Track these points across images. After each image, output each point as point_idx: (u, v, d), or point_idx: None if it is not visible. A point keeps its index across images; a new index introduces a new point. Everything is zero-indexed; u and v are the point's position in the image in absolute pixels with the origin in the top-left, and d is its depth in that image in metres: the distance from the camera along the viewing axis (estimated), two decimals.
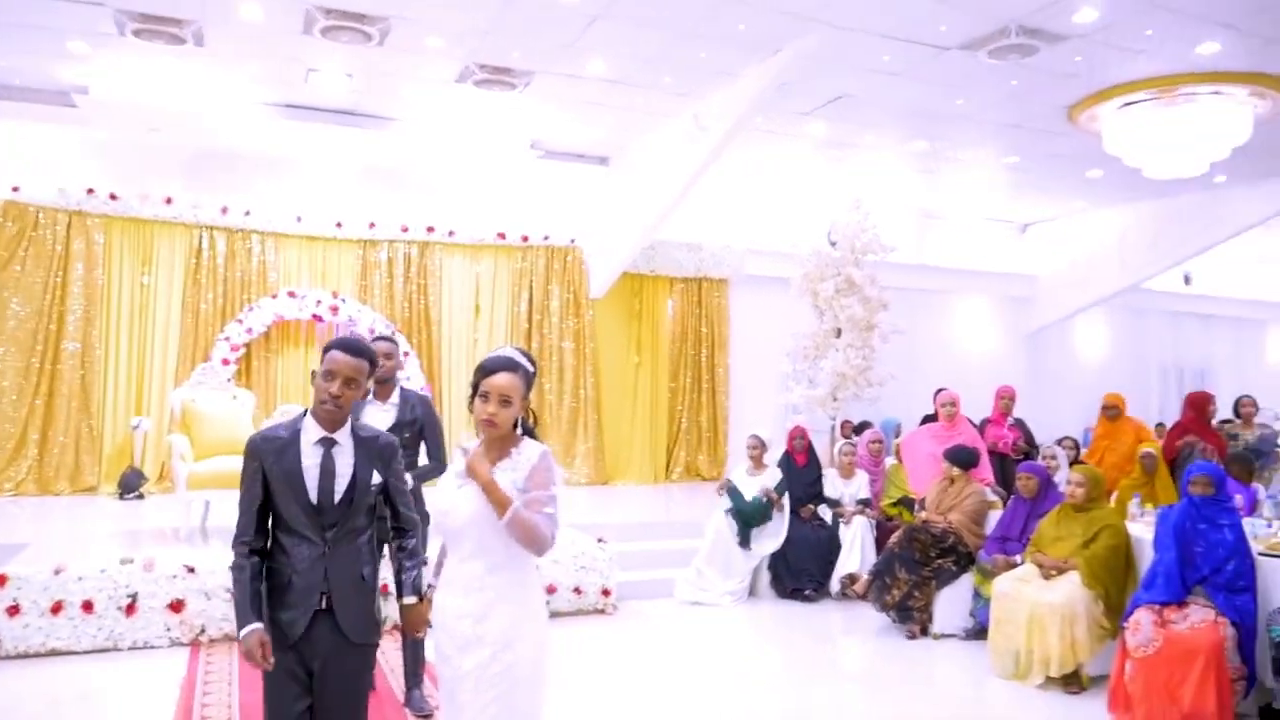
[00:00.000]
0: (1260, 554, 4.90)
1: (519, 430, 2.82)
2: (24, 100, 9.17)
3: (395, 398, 4.48)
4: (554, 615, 5.36)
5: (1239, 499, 5.56)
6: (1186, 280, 15.54)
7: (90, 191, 9.36)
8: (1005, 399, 7.95)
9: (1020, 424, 8.01)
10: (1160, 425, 12.33)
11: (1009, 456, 7.65)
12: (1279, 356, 17.06)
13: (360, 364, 2.82)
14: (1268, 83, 8.24)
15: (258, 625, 2.71)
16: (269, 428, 2.91)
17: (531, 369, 2.83)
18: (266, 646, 2.70)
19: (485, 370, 2.76)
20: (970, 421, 7.56)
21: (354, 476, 2.83)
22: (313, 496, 2.78)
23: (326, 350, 2.84)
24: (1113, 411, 7.57)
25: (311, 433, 2.83)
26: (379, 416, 4.34)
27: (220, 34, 7.87)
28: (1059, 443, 8.76)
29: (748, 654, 6.28)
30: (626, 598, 6.96)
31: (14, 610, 5.31)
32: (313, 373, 2.85)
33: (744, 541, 7.28)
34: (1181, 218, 12.48)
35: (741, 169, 11.56)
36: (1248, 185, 11.50)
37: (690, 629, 6.57)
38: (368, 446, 2.88)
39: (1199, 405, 7.41)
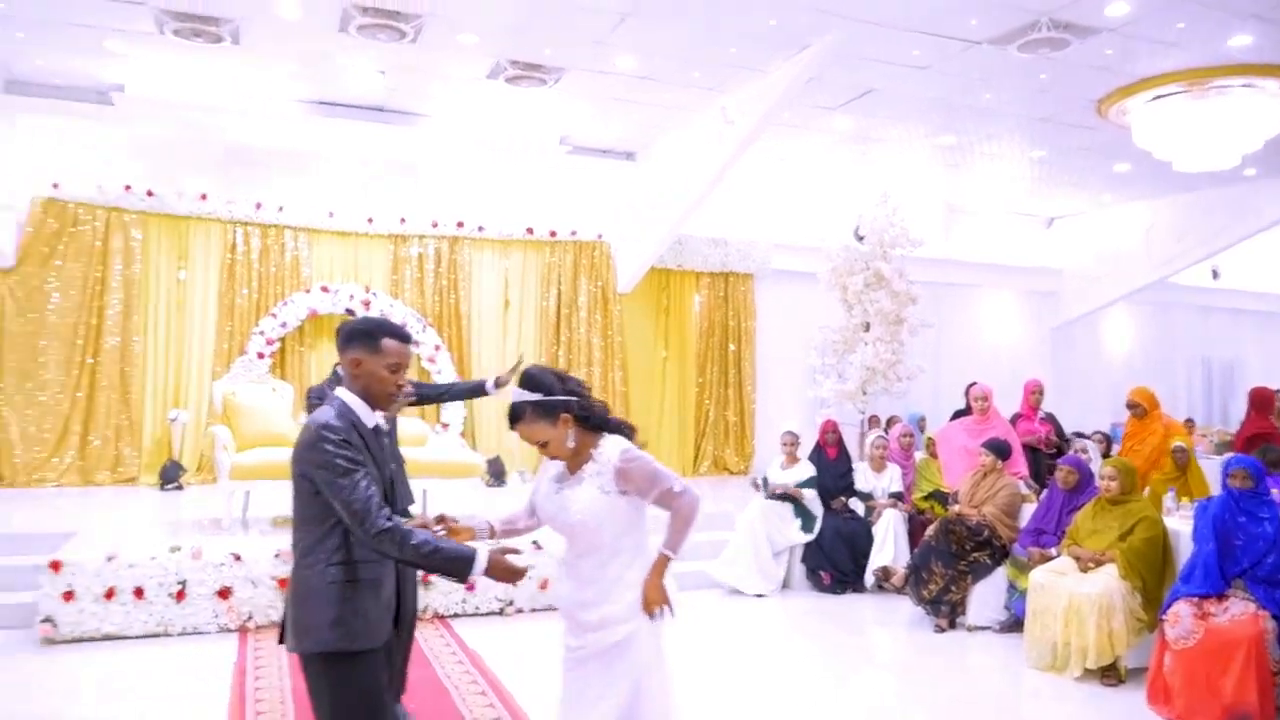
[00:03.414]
0: None
1: (591, 428, 2.85)
2: (63, 98, 9.34)
3: None
4: None
5: (1276, 493, 5.58)
6: (1215, 274, 15.45)
7: (127, 188, 9.49)
8: (1035, 393, 7.96)
9: (1051, 418, 8.03)
10: (1189, 421, 12.30)
11: (1041, 450, 7.67)
12: None
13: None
14: None
15: (476, 549, 2.59)
16: (336, 414, 2.62)
17: (539, 395, 2.78)
18: (507, 556, 2.63)
19: (510, 425, 2.85)
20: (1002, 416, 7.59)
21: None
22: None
23: (376, 338, 2.67)
24: (1138, 410, 7.39)
25: (372, 422, 2.73)
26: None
27: (257, 32, 7.98)
28: (1090, 436, 8.77)
29: (783, 645, 6.35)
30: None
31: (69, 596, 5.46)
32: (356, 360, 2.67)
33: (806, 526, 7.39)
34: (1210, 211, 12.42)
35: (768, 163, 11.60)
36: (1277, 178, 11.43)
37: (725, 620, 6.64)
38: None
39: (1261, 402, 7.38)
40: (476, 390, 5.19)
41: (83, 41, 8.23)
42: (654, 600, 2.80)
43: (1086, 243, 14.19)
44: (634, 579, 2.82)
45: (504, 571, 2.65)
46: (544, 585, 6.46)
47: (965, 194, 13.41)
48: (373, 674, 2.60)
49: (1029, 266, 14.26)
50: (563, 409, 2.79)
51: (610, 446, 2.82)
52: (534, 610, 6.46)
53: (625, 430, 2.90)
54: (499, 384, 5.10)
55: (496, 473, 9.99)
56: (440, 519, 2.81)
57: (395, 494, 3.18)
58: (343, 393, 2.69)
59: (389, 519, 2.51)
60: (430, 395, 5.30)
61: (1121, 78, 8.58)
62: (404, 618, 4.39)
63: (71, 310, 9.26)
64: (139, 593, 5.59)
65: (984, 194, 13.38)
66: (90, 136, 9.55)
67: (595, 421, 2.85)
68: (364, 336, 2.69)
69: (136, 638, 5.58)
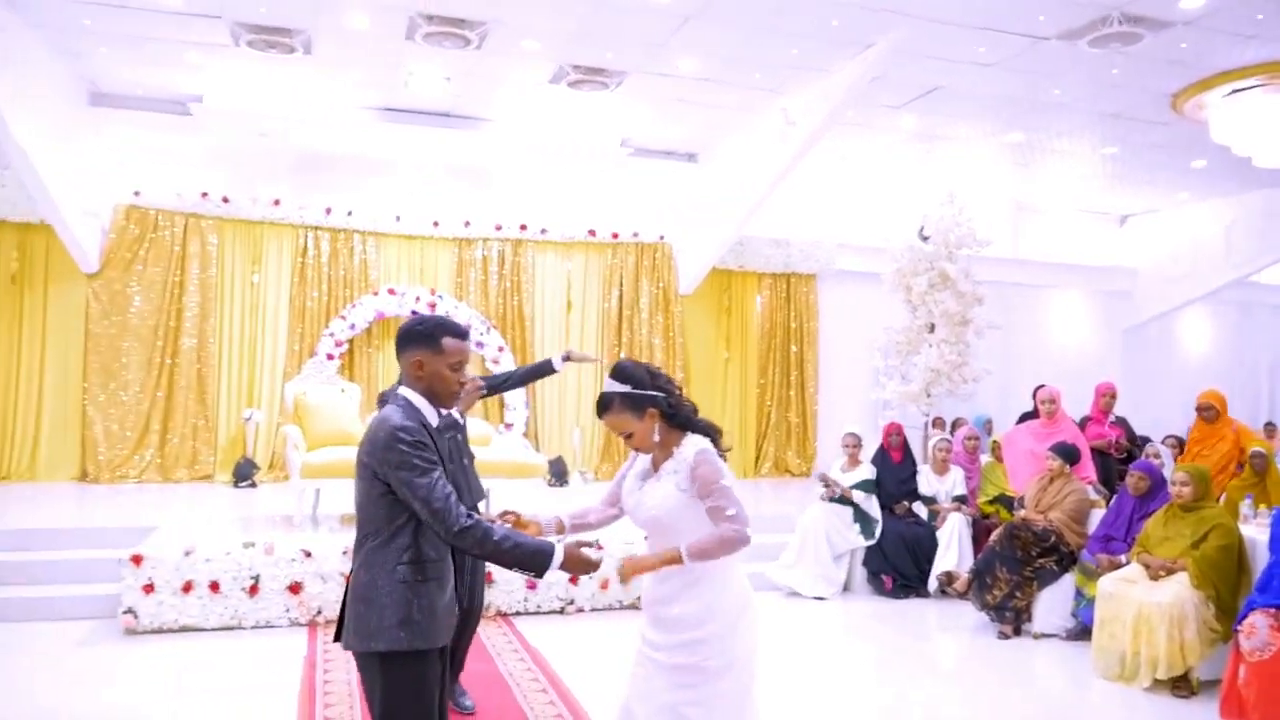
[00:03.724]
0: None
1: (676, 426, 2.90)
2: (144, 109, 9.72)
3: None
4: None
5: None
6: None
7: (204, 195, 9.83)
8: (1106, 396, 7.77)
9: (1122, 422, 7.83)
10: (1270, 425, 11.88)
11: (1111, 455, 7.49)
12: None
13: None
14: None
15: (553, 543, 2.62)
16: (406, 414, 2.62)
17: (628, 387, 2.86)
18: (582, 549, 2.65)
19: (598, 414, 2.94)
20: (1071, 419, 7.41)
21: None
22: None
23: (436, 338, 2.68)
24: (1209, 413, 7.08)
25: (436, 421, 2.74)
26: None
27: (328, 42, 8.20)
28: (1163, 441, 8.52)
29: (843, 648, 6.31)
30: None
31: (149, 588, 5.68)
32: (419, 361, 2.67)
33: (865, 530, 7.33)
34: None
35: (830, 163, 11.51)
36: None
37: (785, 622, 6.61)
38: None
39: None
40: (543, 369, 5.26)
41: (163, 55, 8.55)
42: (627, 567, 2.78)
43: (1162, 241, 13.79)
44: (710, 580, 2.84)
45: (579, 564, 2.65)
46: (604, 585, 6.53)
47: (1034, 192, 13.15)
48: (433, 672, 2.63)
49: (1101, 266, 13.91)
50: (649, 403, 2.86)
51: (690, 446, 2.87)
52: (594, 610, 6.53)
53: (711, 433, 2.94)
54: (567, 359, 5.20)
55: (559, 473, 10.10)
56: (506, 515, 2.85)
57: (467, 488, 3.35)
58: (407, 392, 2.70)
59: (469, 516, 2.54)
60: (496, 384, 5.43)
61: (1197, 71, 8.35)
62: (474, 608, 4.53)
63: (151, 313, 9.63)
64: (214, 586, 5.80)
65: (1054, 192, 13.11)
66: (170, 145, 9.93)
67: (680, 419, 2.90)
68: (424, 338, 2.69)
69: (212, 630, 5.79)
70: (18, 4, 7.45)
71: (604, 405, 2.89)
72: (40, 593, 6.03)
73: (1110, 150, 10.92)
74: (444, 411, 2.83)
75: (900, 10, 7.30)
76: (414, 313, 10.09)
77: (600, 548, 6.39)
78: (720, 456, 2.90)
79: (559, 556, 2.60)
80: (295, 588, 5.93)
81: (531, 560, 2.58)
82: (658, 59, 8.45)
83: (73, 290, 9.47)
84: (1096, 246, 14.14)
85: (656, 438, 2.88)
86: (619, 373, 2.89)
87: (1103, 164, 11.53)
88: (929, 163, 11.51)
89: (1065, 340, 13.76)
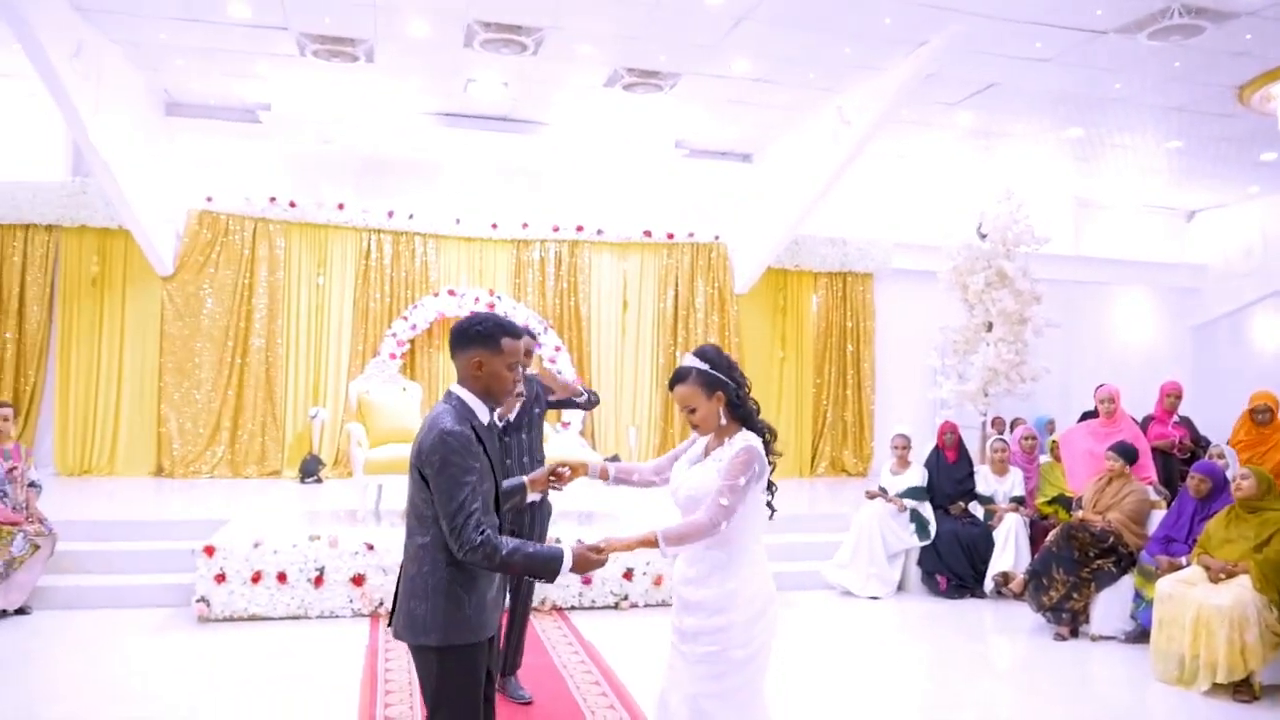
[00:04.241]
0: None
1: (737, 418, 3.02)
2: (216, 118, 10.10)
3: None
4: None
5: None
6: None
7: (272, 200, 10.14)
8: (1171, 396, 7.65)
9: (1187, 422, 7.70)
10: None
11: (1174, 456, 7.36)
12: None
13: None
14: None
15: (562, 550, 2.66)
16: (456, 417, 2.65)
17: (705, 365, 3.00)
18: (592, 548, 2.69)
19: (670, 385, 3.06)
20: (1132, 419, 7.30)
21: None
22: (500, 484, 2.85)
23: (496, 339, 2.72)
24: (1264, 415, 6.84)
25: (487, 419, 2.76)
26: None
27: (390, 50, 8.43)
28: (1228, 441, 8.32)
29: (897, 648, 6.30)
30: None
31: (221, 578, 5.94)
32: (478, 361, 2.71)
33: (920, 531, 7.31)
34: None
35: (886, 161, 11.46)
36: None
37: (839, 622, 6.65)
38: None
39: None
40: (570, 405, 5.20)
41: (234, 66, 8.88)
42: (611, 547, 2.78)
43: (1232, 236, 13.43)
44: (736, 569, 2.93)
45: (588, 565, 2.72)
46: (658, 581, 6.62)
47: (1096, 188, 12.90)
48: (480, 663, 2.73)
49: (1167, 262, 13.59)
50: (720, 387, 3.00)
51: (741, 439, 2.98)
52: (647, 605, 6.63)
53: (766, 434, 3.04)
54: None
55: None
56: (557, 468, 3.06)
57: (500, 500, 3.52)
58: (460, 391, 2.73)
59: (482, 532, 2.56)
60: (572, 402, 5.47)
61: (1263, 62, 8.14)
62: (521, 592, 4.66)
63: (222, 314, 9.97)
64: (282, 577, 6.03)
65: (1117, 188, 12.84)
66: (240, 152, 10.28)
67: (742, 412, 3.03)
68: (484, 338, 2.72)
69: (279, 619, 6.02)
70: (100, 21, 7.82)
71: (679, 377, 3.03)
72: (119, 581, 6.34)
73: (1175, 144, 10.68)
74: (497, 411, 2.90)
75: (954, 7, 7.26)
76: (472, 313, 10.26)
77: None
78: (769, 460, 2.99)
79: (569, 561, 2.66)
80: (358, 579, 6.14)
81: (544, 569, 2.64)
82: (711, 60, 8.51)
83: (149, 293, 9.85)
84: (1163, 242, 13.82)
85: (721, 422, 3.01)
86: (702, 353, 3.04)
87: (1168, 158, 11.28)
88: (987, 160, 11.39)
89: (1130, 339, 13.48)
